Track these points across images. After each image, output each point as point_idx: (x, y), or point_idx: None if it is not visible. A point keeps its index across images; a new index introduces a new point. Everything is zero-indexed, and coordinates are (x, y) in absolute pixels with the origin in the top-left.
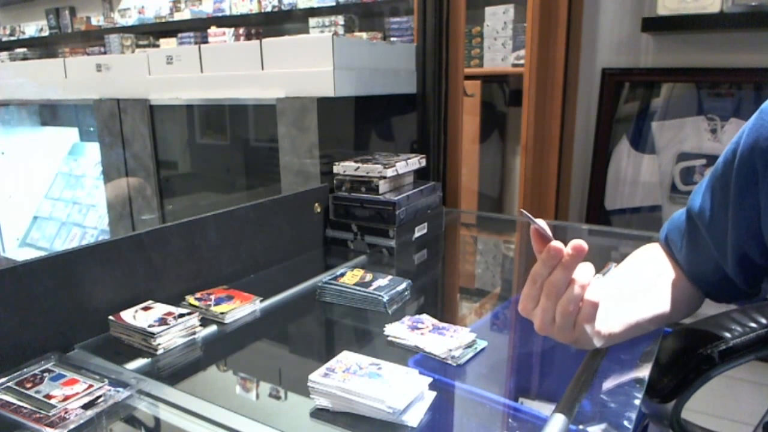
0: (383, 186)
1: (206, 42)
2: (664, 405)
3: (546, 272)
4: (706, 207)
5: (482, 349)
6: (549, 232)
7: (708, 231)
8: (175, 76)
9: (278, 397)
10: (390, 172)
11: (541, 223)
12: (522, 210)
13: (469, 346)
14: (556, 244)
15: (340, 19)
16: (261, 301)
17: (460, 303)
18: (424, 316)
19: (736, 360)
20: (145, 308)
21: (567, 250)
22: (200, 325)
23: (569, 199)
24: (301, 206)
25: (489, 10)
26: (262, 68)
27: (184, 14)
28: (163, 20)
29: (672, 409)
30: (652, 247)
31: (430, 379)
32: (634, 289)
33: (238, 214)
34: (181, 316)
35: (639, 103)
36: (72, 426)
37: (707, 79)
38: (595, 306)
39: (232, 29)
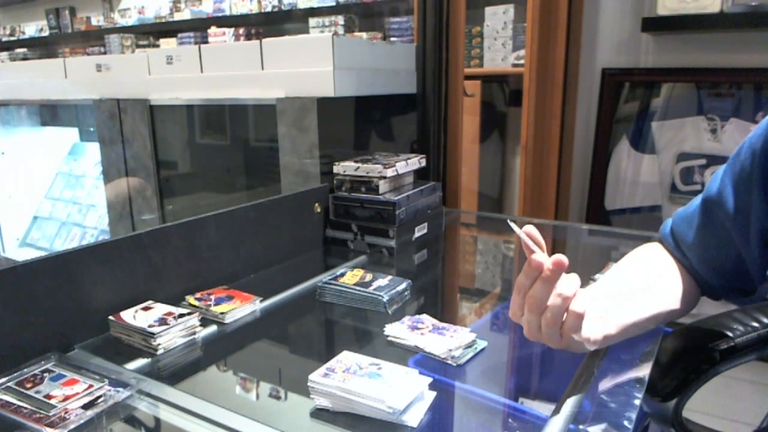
0: (383, 186)
1: (206, 42)
2: (665, 404)
3: (528, 283)
4: (726, 192)
5: (482, 349)
6: (531, 243)
7: (729, 216)
8: (175, 76)
9: (278, 397)
10: (390, 172)
11: (531, 229)
12: (509, 220)
13: (469, 346)
14: (537, 257)
15: (340, 19)
16: (261, 301)
17: (460, 303)
18: (424, 316)
19: (737, 359)
20: (145, 308)
21: (548, 264)
22: (200, 325)
23: (569, 199)
24: (301, 206)
25: (489, 10)
26: (262, 68)
27: (184, 14)
28: (163, 20)
29: (673, 408)
30: (651, 246)
31: (430, 379)
32: (633, 288)
33: (238, 214)
34: (181, 316)
35: (639, 103)
36: (72, 426)
37: (707, 79)
38: (579, 317)
39: (232, 29)
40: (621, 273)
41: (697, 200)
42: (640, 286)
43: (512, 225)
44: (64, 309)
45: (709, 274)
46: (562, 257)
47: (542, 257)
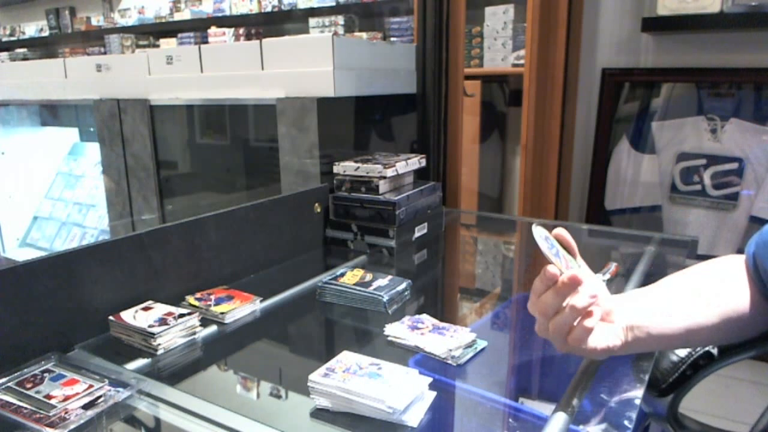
0: (383, 186)
1: (206, 42)
2: (663, 399)
3: (542, 289)
4: None
5: (482, 349)
6: (550, 255)
7: None
8: (175, 76)
9: (278, 397)
10: (390, 172)
11: (561, 232)
12: (533, 226)
13: (469, 346)
14: (551, 269)
15: (340, 19)
16: (261, 301)
17: (460, 303)
18: (424, 316)
19: (734, 356)
20: (145, 308)
21: (563, 278)
22: (200, 325)
23: (569, 199)
24: (301, 206)
25: (489, 10)
26: (262, 68)
27: (184, 14)
28: (163, 20)
29: (669, 403)
30: (727, 261)
31: (430, 379)
32: (674, 301)
33: (238, 214)
34: (181, 316)
35: (639, 103)
36: (72, 426)
37: (707, 79)
38: (587, 331)
39: (232, 29)
40: (676, 284)
41: None
42: (685, 308)
43: (534, 231)
44: (64, 309)
45: None
46: (577, 274)
47: (556, 270)
